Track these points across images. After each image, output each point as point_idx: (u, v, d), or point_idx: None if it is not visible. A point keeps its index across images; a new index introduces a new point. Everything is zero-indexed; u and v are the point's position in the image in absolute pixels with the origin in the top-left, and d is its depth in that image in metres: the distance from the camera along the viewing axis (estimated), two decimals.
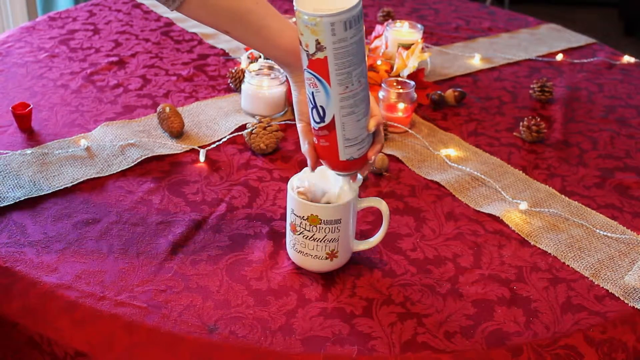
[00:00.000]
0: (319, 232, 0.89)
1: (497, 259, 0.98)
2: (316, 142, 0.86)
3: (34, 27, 1.65)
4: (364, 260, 0.96)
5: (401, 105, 1.29)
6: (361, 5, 0.75)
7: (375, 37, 1.51)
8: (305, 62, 0.79)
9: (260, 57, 1.44)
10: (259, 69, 1.31)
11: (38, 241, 0.95)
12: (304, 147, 0.87)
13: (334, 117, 0.81)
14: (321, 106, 0.81)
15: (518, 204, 1.09)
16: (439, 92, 1.41)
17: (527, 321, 0.87)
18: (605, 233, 1.05)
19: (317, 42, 0.75)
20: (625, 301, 0.92)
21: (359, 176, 0.91)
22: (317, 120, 0.82)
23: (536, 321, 0.87)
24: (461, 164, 1.20)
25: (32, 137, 1.19)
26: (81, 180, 1.08)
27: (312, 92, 0.80)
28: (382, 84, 1.30)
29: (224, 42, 1.62)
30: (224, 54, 1.57)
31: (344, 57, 0.76)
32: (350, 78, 0.78)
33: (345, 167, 0.86)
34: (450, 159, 1.21)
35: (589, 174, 1.21)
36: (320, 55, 0.76)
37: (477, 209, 1.09)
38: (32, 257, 0.92)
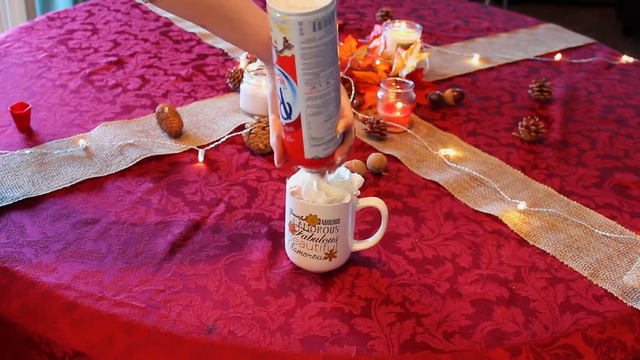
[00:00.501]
0: (317, 232, 0.89)
1: (495, 259, 0.98)
2: (284, 137, 0.86)
3: (33, 27, 1.65)
4: (363, 260, 0.96)
5: (400, 105, 1.29)
6: (334, 7, 0.75)
7: (374, 37, 1.51)
8: (274, 58, 0.79)
9: None
10: (258, 69, 1.31)
11: (37, 241, 0.95)
12: (272, 140, 0.87)
13: (300, 115, 0.81)
14: (288, 103, 0.80)
15: (517, 203, 1.09)
16: (437, 92, 1.41)
17: (525, 321, 0.87)
18: (603, 233, 1.05)
19: (285, 40, 0.75)
20: (624, 301, 0.92)
21: (360, 177, 0.91)
22: (284, 116, 0.82)
23: (535, 321, 0.87)
24: (460, 163, 1.20)
25: (30, 137, 1.19)
26: (80, 180, 1.08)
27: (280, 88, 0.80)
28: (381, 84, 1.30)
29: (222, 42, 1.62)
30: (223, 53, 1.57)
31: (311, 57, 0.76)
32: (318, 79, 0.77)
33: (311, 165, 0.86)
34: (449, 159, 1.21)
35: (588, 174, 1.21)
36: (287, 53, 0.76)
37: (476, 208, 1.09)
38: (31, 257, 0.92)
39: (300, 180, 0.90)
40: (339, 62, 0.81)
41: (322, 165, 0.86)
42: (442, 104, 1.41)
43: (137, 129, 1.23)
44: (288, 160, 0.87)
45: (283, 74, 0.78)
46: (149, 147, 1.17)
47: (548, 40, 1.79)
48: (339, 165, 0.88)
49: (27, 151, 1.13)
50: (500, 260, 0.98)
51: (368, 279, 0.93)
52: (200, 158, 1.16)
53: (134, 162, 1.13)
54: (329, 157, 0.85)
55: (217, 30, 0.87)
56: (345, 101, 0.85)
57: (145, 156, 1.15)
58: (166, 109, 1.21)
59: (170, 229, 0.99)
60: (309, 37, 0.74)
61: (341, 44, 1.45)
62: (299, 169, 0.91)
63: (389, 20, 1.54)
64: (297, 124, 0.81)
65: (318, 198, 0.87)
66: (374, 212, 1.05)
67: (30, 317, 0.84)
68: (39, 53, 1.51)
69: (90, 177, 1.09)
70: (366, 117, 1.29)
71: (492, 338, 0.84)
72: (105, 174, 1.10)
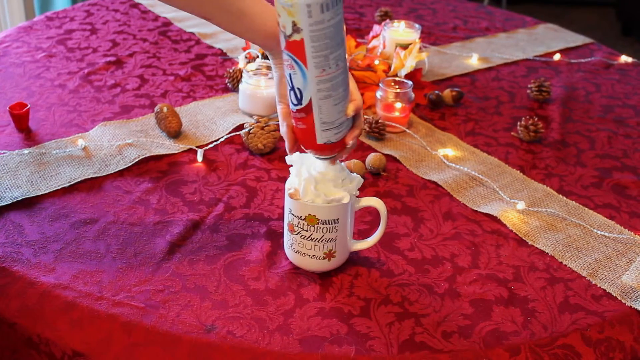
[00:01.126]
0: (316, 232, 0.89)
1: (494, 259, 0.98)
2: (294, 125, 0.86)
3: (32, 27, 1.65)
4: (362, 260, 0.96)
5: (399, 105, 1.29)
6: None
7: (373, 37, 1.51)
8: (283, 44, 0.79)
9: (257, 56, 1.44)
10: (257, 69, 1.31)
11: (35, 241, 0.95)
12: (282, 129, 0.87)
13: (311, 99, 0.81)
14: (298, 88, 0.81)
15: (516, 203, 1.09)
16: (436, 91, 1.41)
17: (524, 321, 0.87)
18: (602, 233, 1.05)
19: (294, 24, 0.75)
20: (623, 301, 0.92)
21: (359, 177, 0.91)
22: (295, 102, 0.82)
23: (534, 321, 0.87)
24: (459, 163, 1.20)
25: (29, 137, 1.19)
26: (79, 180, 1.08)
27: (290, 74, 0.81)
28: (380, 84, 1.30)
29: (221, 41, 1.62)
30: (222, 53, 1.57)
31: (320, 39, 0.76)
32: (327, 61, 0.78)
33: (323, 151, 0.86)
34: (447, 159, 1.21)
35: (587, 174, 1.21)
36: (297, 37, 0.76)
37: (475, 208, 1.09)
38: (30, 257, 0.91)
39: (297, 182, 0.90)
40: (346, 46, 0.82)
41: (334, 150, 0.86)
42: (441, 103, 1.41)
43: (136, 128, 1.23)
44: (299, 147, 0.88)
45: (293, 58, 0.79)
46: (147, 147, 1.17)
47: (547, 40, 1.80)
48: (351, 149, 0.88)
49: (26, 151, 1.13)
50: (499, 260, 0.98)
51: (367, 278, 0.93)
52: (199, 158, 1.16)
53: (133, 162, 1.13)
54: (341, 141, 0.86)
55: (218, 21, 0.87)
56: (353, 85, 0.86)
57: (144, 156, 1.15)
58: (165, 109, 1.21)
59: (169, 229, 0.99)
60: (317, 19, 0.75)
61: None
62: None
63: (387, 20, 1.54)
64: (308, 109, 0.82)
65: (317, 198, 0.87)
66: (373, 212, 1.05)
67: (29, 317, 0.84)
68: (37, 53, 1.51)
69: (89, 177, 1.09)
70: (365, 117, 1.29)
71: (491, 338, 0.84)
72: (104, 174, 1.10)
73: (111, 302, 0.85)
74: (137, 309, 0.84)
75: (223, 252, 0.95)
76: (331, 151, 0.87)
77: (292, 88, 0.81)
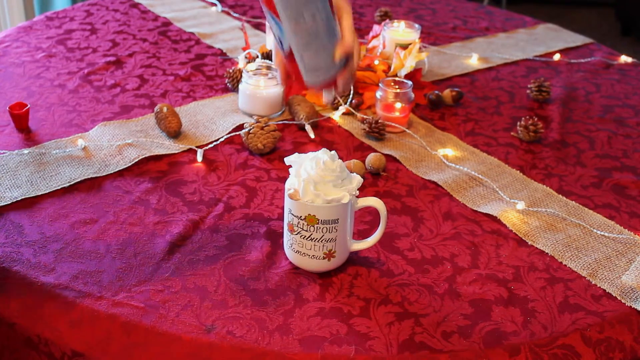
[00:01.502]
0: (316, 232, 0.89)
1: (494, 259, 0.98)
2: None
3: (31, 27, 1.65)
4: (362, 260, 0.96)
5: (398, 105, 1.29)
6: None
7: (373, 37, 1.51)
8: None
9: (257, 56, 1.44)
10: (257, 69, 1.31)
11: (35, 241, 0.95)
12: (275, 61, 0.90)
13: (290, 48, 0.83)
14: (278, 37, 0.83)
15: (515, 203, 1.09)
16: (436, 92, 1.41)
17: (524, 321, 0.87)
18: (602, 233, 1.05)
19: None
20: (623, 301, 0.92)
21: (358, 177, 0.91)
22: (281, 46, 0.85)
23: (534, 321, 0.87)
24: (459, 163, 1.20)
25: (29, 137, 1.19)
26: (78, 180, 1.08)
27: (269, 24, 0.83)
28: (380, 84, 1.30)
29: (221, 41, 1.62)
30: (222, 53, 1.57)
31: None
32: (300, 15, 0.79)
33: (315, 87, 0.89)
34: (447, 159, 1.21)
35: (587, 174, 1.21)
36: None
37: (475, 208, 1.09)
38: (29, 257, 0.91)
39: (297, 182, 0.90)
40: None
41: (326, 87, 0.89)
42: (441, 104, 1.41)
43: (135, 128, 1.23)
44: (292, 80, 0.91)
45: (267, 11, 0.81)
46: (147, 147, 1.17)
47: (547, 40, 1.80)
48: (342, 90, 0.89)
49: (26, 151, 1.13)
50: (499, 260, 0.98)
51: (367, 278, 0.93)
52: (199, 158, 1.16)
53: (133, 162, 1.13)
54: (332, 81, 0.87)
55: None
56: (347, 27, 0.86)
57: (143, 156, 1.15)
58: (165, 109, 1.21)
59: (169, 229, 0.99)
60: None
61: None
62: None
63: (387, 20, 1.54)
64: (291, 55, 0.84)
65: (316, 198, 0.87)
66: (373, 212, 1.05)
67: (29, 317, 0.84)
68: (37, 53, 1.51)
69: (89, 177, 1.09)
70: (365, 117, 1.29)
71: (490, 338, 0.84)
72: (104, 174, 1.10)
73: (111, 302, 0.85)
74: (137, 309, 0.84)
75: (223, 252, 0.95)
76: (322, 89, 0.89)
77: (274, 35, 0.84)
